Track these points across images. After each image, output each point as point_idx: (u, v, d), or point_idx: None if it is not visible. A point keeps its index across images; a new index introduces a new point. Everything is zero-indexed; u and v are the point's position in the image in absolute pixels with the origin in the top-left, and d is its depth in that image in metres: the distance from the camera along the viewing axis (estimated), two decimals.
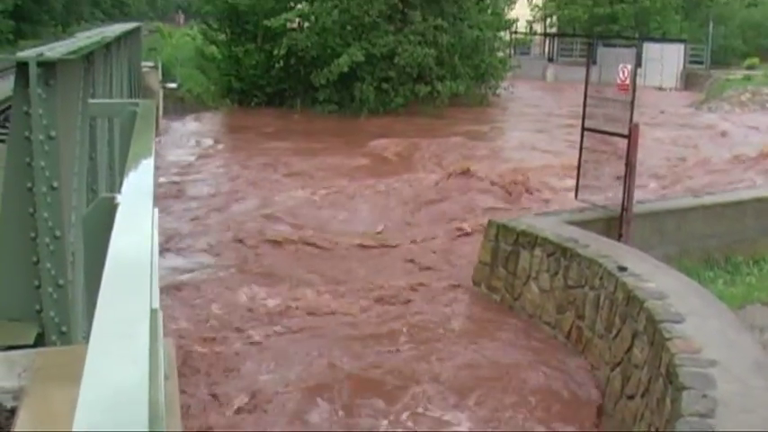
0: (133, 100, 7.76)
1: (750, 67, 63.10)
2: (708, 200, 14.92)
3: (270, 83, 38.21)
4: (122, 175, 3.30)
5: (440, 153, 26.71)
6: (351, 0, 36.93)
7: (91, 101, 6.56)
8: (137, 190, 2.76)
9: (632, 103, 12.84)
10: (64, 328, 4.71)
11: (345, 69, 35.95)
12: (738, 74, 56.97)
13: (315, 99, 37.19)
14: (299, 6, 37.90)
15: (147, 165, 3.32)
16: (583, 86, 14.06)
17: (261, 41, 38.18)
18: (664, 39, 65.68)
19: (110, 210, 2.56)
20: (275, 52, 36.89)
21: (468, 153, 26.72)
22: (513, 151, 29.02)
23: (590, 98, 13.75)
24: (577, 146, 14.35)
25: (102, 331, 1.58)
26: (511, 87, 44.40)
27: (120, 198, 2.59)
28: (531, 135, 32.88)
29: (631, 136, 12.76)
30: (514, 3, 54.43)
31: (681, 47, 63.09)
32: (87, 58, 5.93)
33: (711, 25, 67.69)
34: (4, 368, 3.77)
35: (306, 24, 37.80)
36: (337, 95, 37.06)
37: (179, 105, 35.45)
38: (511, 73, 45.80)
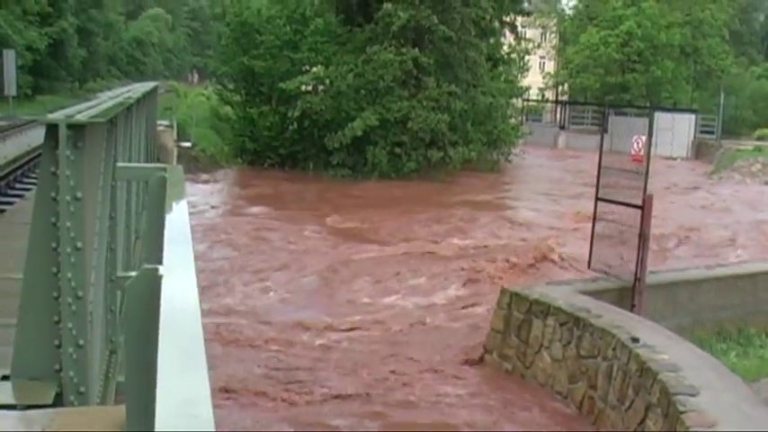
0: (160, 165, 7.79)
1: (761, 138, 63.38)
2: (721, 271, 14.91)
3: (283, 144, 38.39)
4: (158, 243, 3.32)
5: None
6: (366, 65, 37.31)
7: (119, 164, 6.63)
8: (179, 262, 2.79)
9: (646, 174, 12.89)
10: (82, 389, 4.70)
11: (359, 133, 36.20)
12: (749, 144, 57.15)
13: (327, 162, 37.37)
14: (315, 70, 38.20)
15: (185, 235, 3.36)
16: (593, 154, 14.13)
17: (275, 103, 38.54)
18: (675, 108, 66.02)
19: (153, 281, 2.58)
20: (289, 114, 37.16)
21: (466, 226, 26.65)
22: (519, 222, 28.72)
23: (604, 168, 13.81)
24: (585, 215, 14.39)
25: (167, 410, 1.63)
26: (523, 154, 44.58)
27: (162, 270, 2.62)
28: (541, 204, 32.88)
29: (645, 207, 12.80)
30: (527, 70, 54.99)
31: (692, 117, 63.32)
32: (111, 119, 6.01)
33: (722, 96, 67.97)
34: (23, 426, 3.78)
35: (321, 87, 38.12)
36: (350, 159, 37.25)
37: (192, 164, 35.66)
38: (523, 140, 46.03)
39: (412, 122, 37.26)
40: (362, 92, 37.83)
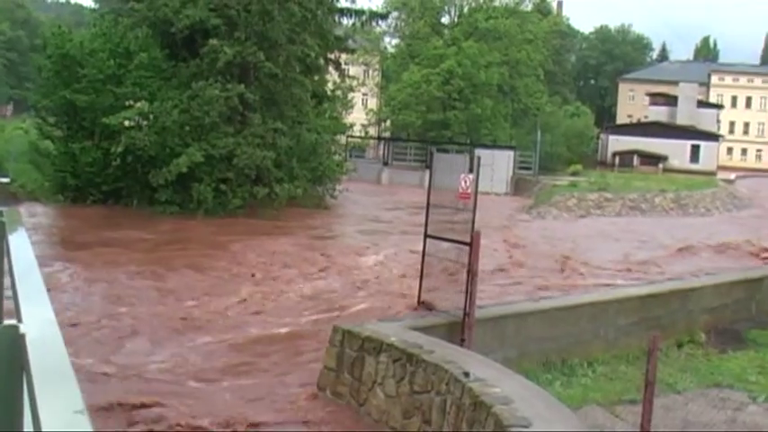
0: None
1: (574, 174, 66.08)
2: (545, 304, 15.44)
3: (106, 181, 37.45)
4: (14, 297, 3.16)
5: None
6: (191, 100, 36.99)
7: None
8: (40, 318, 2.69)
9: (474, 211, 13.26)
10: None
11: (184, 169, 35.79)
12: (564, 180, 59.48)
13: (152, 198, 36.75)
14: (139, 105, 37.48)
15: (40, 289, 3.21)
16: (416, 189, 14.44)
17: (98, 139, 37.58)
18: (494, 145, 67.93)
19: (15, 339, 2.42)
20: (113, 150, 36.27)
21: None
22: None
23: (432, 206, 14.12)
24: (411, 252, 14.65)
25: None
26: (347, 190, 45.05)
27: (23, 328, 2.45)
28: (364, 239, 33.16)
29: (473, 243, 13.14)
30: (351, 107, 55.73)
31: (510, 153, 65.41)
32: None
33: (539, 133, 70.49)
34: None
35: (145, 123, 37.44)
36: (176, 195, 36.74)
37: (11, 200, 34.50)
38: (347, 176, 46.51)
39: (237, 159, 37.07)
40: (187, 128, 37.39)
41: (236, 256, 26.24)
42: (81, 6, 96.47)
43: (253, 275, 23.06)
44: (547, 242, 33.46)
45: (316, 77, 45.67)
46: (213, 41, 37.15)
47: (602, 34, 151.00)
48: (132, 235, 30.33)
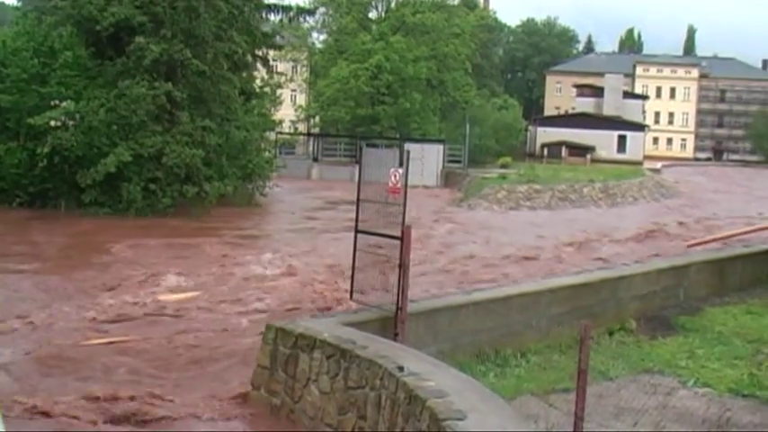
0: None
1: (504, 166, 66.69)
2: (477, 296, 15.49)
3: (33, 182, 36.91)
4: None
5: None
6: (118, 99, 36.62)
7: None
8: None
9: (404, 205, 13.24)
10: None
11: (112, 169, 35.38)
12: (494, 172, 59.89)
13: (80, 200, 36.23)
14: (64, 104, 36.97)
15: None
16: (346, 185, 14.39)
17: (23, 139, 37.03)
18: (424, 139, 68.17)
19: None
20: (38, 151, 35.74)
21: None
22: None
23: (362, 201, 14.07)
24: (340, 248, 14.56)
25: None
26: (277, 186, 44.96)
27: None
28: (293, 236, 33.05)
29: (404, 238, 13.13)
30: (280, 104, 55.52)
31: (440, 147, 65.75)
32: None
33: (467, 126, 70.86)
34: None
35: (71, 123, 36.89)
36: (104, 196, 36.28)
37: None
38: (276, 173, 46.39)
39: (166, 158, 36.78)
40: (115, 127, 37.02)
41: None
42: (3, 4, 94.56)
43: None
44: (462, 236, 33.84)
45: (244, 74, 45.51)
46: (139, 39, 36.79)
47: (529, 27, 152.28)
48: (34, 238, 29.82)
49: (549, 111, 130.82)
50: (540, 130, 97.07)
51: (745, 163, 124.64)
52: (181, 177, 37.57)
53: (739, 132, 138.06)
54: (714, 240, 25.29)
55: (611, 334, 16.55)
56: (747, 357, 15.25)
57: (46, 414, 12.24)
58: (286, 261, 25.88)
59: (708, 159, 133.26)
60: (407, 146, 52.41)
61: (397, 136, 68.53)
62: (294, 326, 13.15)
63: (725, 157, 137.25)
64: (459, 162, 68.73)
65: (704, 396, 12.86)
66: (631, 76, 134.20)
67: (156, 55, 36.72)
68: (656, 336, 16.78)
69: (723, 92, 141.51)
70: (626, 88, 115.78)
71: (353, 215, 14.14)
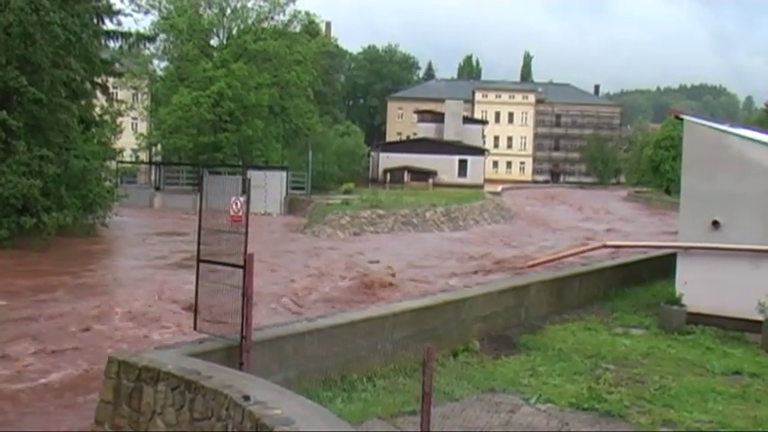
0: None
1: (347, 192, 67.16)
2: (321, 323, 15.50)
3: None
4: None
5: None
6: None
7: None
8: None
9: (246, 234, 13.20)
10: None
11: None
12: (337, 198, 60.29)
13: None
14: None
15: None
16: (189, 214, 14.25)
17: None
18: (267, 166, 68.17)
19: None
20: None
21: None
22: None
23: (204, 230, 13.95)
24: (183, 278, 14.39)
25: None
26: (117, 217, 44.19)
27: None
28: (135, 271, 32.27)
29: (246, 266, 13.08)
30: (121, 132, 54.47)
31: (283, 174, 65.87)
32: None
33: (310, 153, 71.20)
34: None
35: None
36: None
37: None
38: (118, 202, 45.53)
39: (2, 188, 35.65)
40: None
41: None
42: None
43: None
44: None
45: (83, 102, 44.49)
46: None
47: (370, 54, 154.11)
48: None
49: (390, 136, 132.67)
50: (383, 155, 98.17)
51: (581, 184, 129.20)
52: (18, 208, 36.42)
53: (575, 155, 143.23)
54: (553, 260, 25.97)
55: (455, 355, 16.82)
56: (586, 372, 15.75)
57: None
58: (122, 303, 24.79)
59: (546, 182, 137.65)
60: (250, 173, 52.39)
61: (240, 163, 68.16)
62: (138, 358, 12.89)
63: (562, 179, 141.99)
64: (302, 189, 68.96)
65: (546, 412, 13.22)
66: (471, 101, 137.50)
67: None
68: (499, 355, 17.14)
69: (559, 116, 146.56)
70: (466, 113, 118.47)
71: (195, 246, 13.97)
